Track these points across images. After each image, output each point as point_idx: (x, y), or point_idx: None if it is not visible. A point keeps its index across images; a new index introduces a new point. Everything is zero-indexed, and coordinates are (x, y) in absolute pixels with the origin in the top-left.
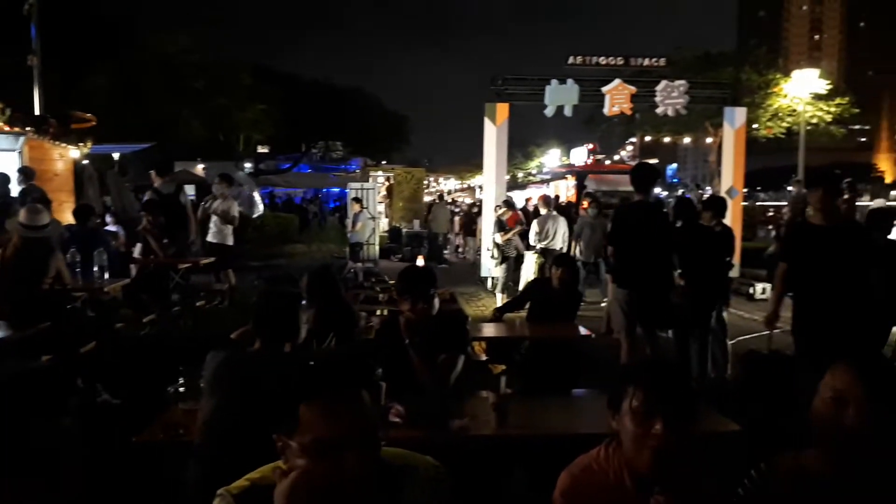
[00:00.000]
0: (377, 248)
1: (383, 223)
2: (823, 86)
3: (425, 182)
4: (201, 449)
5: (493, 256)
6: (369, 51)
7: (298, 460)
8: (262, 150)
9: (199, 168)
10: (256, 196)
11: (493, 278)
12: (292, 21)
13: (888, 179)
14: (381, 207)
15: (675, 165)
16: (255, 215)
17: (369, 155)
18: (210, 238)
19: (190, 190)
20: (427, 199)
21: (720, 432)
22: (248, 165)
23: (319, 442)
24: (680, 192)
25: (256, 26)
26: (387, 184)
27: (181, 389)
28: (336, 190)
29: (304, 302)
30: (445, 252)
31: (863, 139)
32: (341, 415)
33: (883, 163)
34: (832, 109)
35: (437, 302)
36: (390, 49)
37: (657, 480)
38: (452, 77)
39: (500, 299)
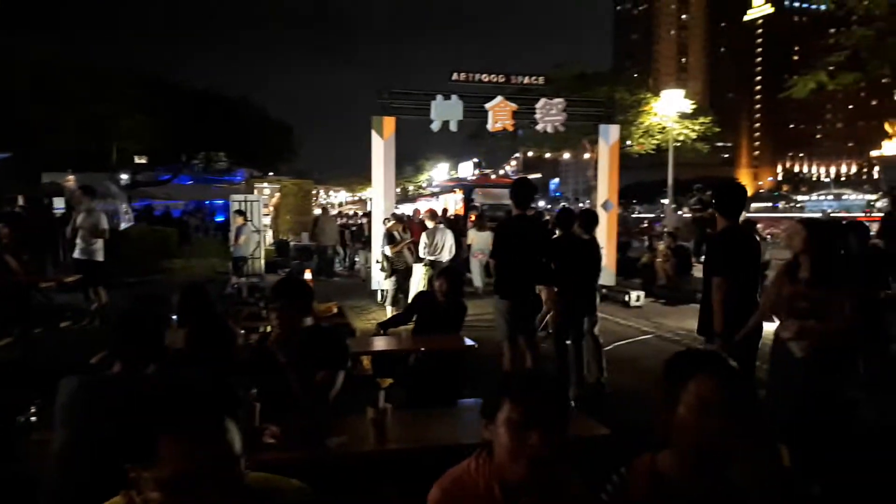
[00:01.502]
0: (262, 262)
1: (269, 236)
2: (689, 105)
3: (314, 194)
4: (50, 484)
5: (382, 269)
6: (259, 61)
7: (153, 494)
8: (139, 160)
9: (70, 179)
10: (125, 208)
11: (382, 291)
12: (180, 31)
13: (749, 192)
14: (267, 220)
15: (557, 180)
16: (121, 228)
17: (256, 166)
18: (77, 254)
19: (59, 203)
20: (317, 211)
21: (592, 436)
22: (124, 177)
23: (177, 475)
24: (561, 204)
25: (146, 35)
26: (273, 196)
27: (33, 419)
28: (220, 202)
29: (175, 320)
30: (336, 265)
31: (725, 155)
32: (201, 446)
33: (743, 177)
34: (697, 128)
35: (309, 319)
36: (281, 60)
37: (526, 489)
38: (342, 89)
39: (390, 312)
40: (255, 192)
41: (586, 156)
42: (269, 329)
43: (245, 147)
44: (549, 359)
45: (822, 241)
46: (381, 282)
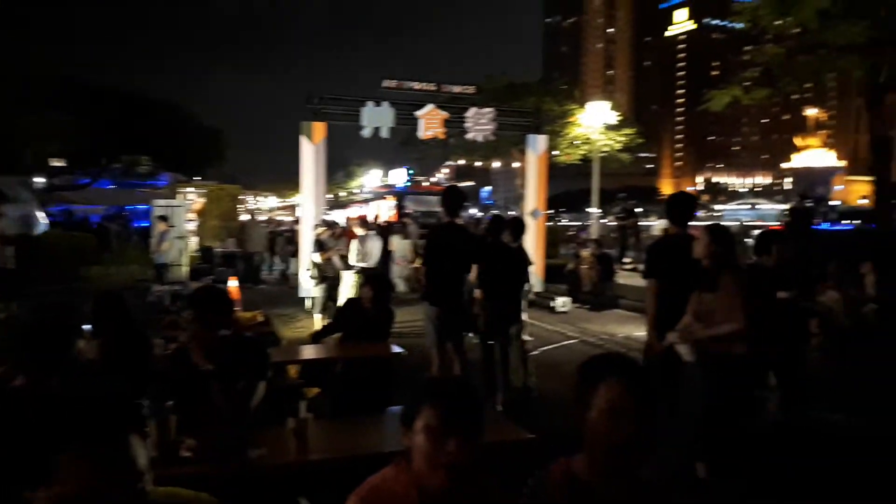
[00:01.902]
0: (186, 268)
1: (194, 243)
2: (614, 117)
3: (242, 199)
4: None
5: (311, 276)
6: (189, 65)
7: None
8: (56, 163)
9: None
10: (38, 213)
11: (311, 298)
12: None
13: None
14: (192, 226)
15: (489, 188)
16: (36, 233)
17: (181, 171)
18: None
19: None
20: (244, 217)
21: (516, 441)
22: (39, 180)
23: (76, 494)
24: (492, 212)
25: (67, 36)
26: (198, 201)
27: None
28: (143, 207)
29: (88, 330)
30: (263, 272)
31: (649, 166)
32: (101, 464)
33: (666, 187)
34: (621, 139)
35: (226, 330)
36: (211, 64)
37: (445, 496)
38: (274, 93)
39: (318, 320)
40: (180, 196)
41: (516, 165)
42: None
43: (170, 151)
44: (478, 364)
45: (718, 247)
46: (309, 289)
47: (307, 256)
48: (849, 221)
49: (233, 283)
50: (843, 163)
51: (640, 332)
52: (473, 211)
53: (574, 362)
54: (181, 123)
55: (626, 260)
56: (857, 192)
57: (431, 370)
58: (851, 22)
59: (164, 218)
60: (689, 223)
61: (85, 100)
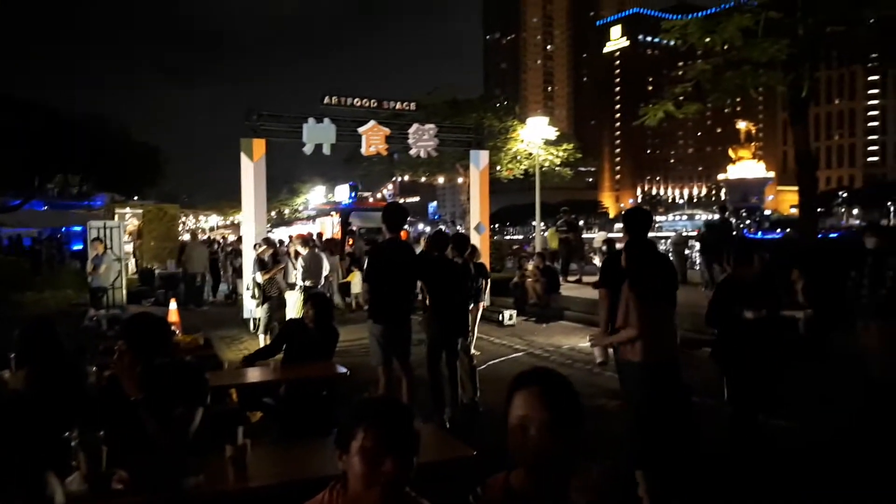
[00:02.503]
0: (124, 292)
1: (132, 264)
2: (552, 132)
3: (182, 219)
4: None
5: (253, 296)
6: (125, 80)
7: None
8: None
9: None
10: None
11: (254, 319)
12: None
13: (611, 214)
14: (129, 247)
15: (435, 203)
16: None
17: (118, 190)
18: None
19: None
20: (185, 237)
21: (458, 458)
22: None
23: None
24: (442, 228)
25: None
26: (136, 221)
27: None
28: (78, 229)
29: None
30: (205, 293)
31: (590, 179)
32: None
33: (606, 200)
34: (560, 154)
35: (161, 358)
36: (149, 80)
37: None
38: (215, 110)
39: (262, 340)
40: (117, 217)
41: (460, 180)
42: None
43: (106, 170)
44: (425, 381)
45: (632, 257)
46: (252, 310)
47: (249, 276)
48: (780, 230)
49: (173, 306)
50: (772, 173)
51: (584, 343)
52: (420, 226)
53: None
54: (117, 142)
55: (570, 272)
56: (788, 201)
57: (378, 388)
58: (772, 40)
59: (100, 240)
60: (644, 236)
61: (10, 116)
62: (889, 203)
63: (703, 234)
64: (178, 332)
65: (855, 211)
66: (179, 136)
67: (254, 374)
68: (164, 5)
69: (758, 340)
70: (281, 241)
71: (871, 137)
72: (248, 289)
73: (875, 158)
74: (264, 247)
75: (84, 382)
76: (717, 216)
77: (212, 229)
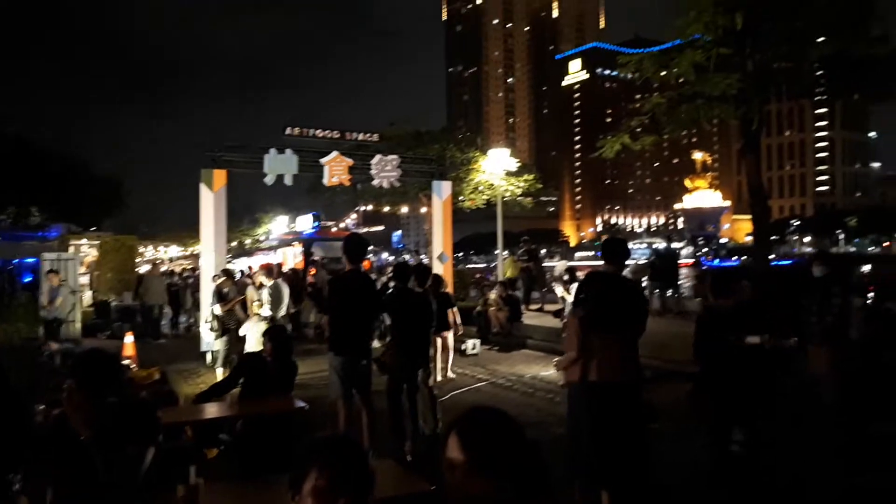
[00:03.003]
0: (79, 325)
1: (87, 297)
2: (514, 163)
3: (140, 250)
4: None
5: (212, 329)
6: (84, 110)
7: None
8: None
9: None
10: None
11: (212, 352)
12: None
13: (572, 243)
14: (85, 279)
15: (399, 232)
16: None
17: (75, 221)
18: None
19: None
20: (144, 268)
21: (416, 493)
22: None
23: None
24: (405, 257)
25: None
26: (95, 253)
27: None
28: (32, 260)
29: None
30: (163, 325)
31: (552, 209)
32: None
33: (568, 229)
34: (521, 184)
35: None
36: (112, 109)
37: None
38: (176, 140)
39: (220, 374)
40: (72, 248)
41: (423, 210)
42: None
43: (63, 201)
44: (385, 414)
45: (588, 287)
46: (210, 342)
47: (207, 308)
48: (736, 257)
49: (129, 339)
50: (728, 202)
51: (546, 371)
52: (385, 255)
53: (483, 405)
54: (74, 172)
55: (532, 301)
56: (743, 229)
57: (338, 422)
58: (723, 75)
59: (55, 272)
60: (624, 263)
61: None
62: (838, 231)
63: (653, 261)
64: (133, 365)
65: (807, 239)
66: (141, 166)
67: (210, 410)
68: (127, 35)
69: (755, 369)
70: (242, 272)
71: (820, 168)
72: (206, 321)
73: (825, 188)
74: (223, 278)
75: (30, 422)
76: (662, 244)
77: (171, 260)
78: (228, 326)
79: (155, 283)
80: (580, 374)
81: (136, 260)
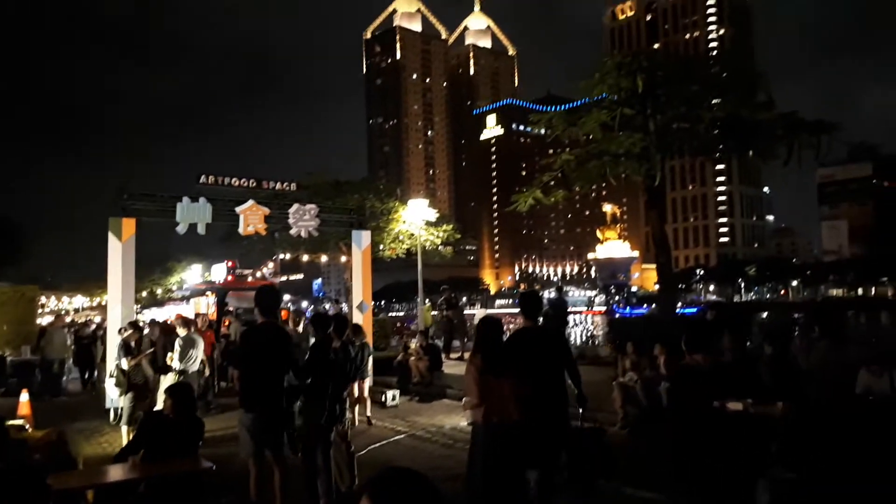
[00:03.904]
0: None
1: None
2: (433, 214)
3: (43, 301)
4: None
5: (117, 384)
6: None
7: None
8: None
9: None
10: None
11: (116, 409)
12: None
13: (492, 291)
14: None
15: (320, 280)
16: None
17: None
18: None
19: None
20: (46, 319)
21: None
22: None
23: None
24: (326, 305)
25: None
26: None
27: None
28: None
29: None
30: (65, 381)
31: (472, 258)
32: None
33: (487, 277)
34: (441, 234)
35: None
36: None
37: None
38: (84, 187)
39: (125, 433)
40: None
41: (343, 259)
42: None
43: None
44: (299, 472)
45: (485, 334)
46: (115, 399)
47: (112, 362)
48: (646, 305)
49: (24, 398)
50: (637, 253)
51: (466, 421)
52: (304, 304)
53: (402, 459)
54: None
55: (452, 350)
56: (652, 278)
57: (250, 483)
58: (627, 134)
59: None
60: (538, 317)
61: None
62: (739, 280)
63: (546, 310)
64: (28, 426)
65: (711, 287)
66: (46, 213)
67: (110, 473)
68: (31, 76)
69: (736, 439)
70: (154, 321)
71: (721, 220)
72: (111, 376)
73: (726, 239)
74: (130, 331)
75: None
76: (553, 294)
77: (77, 311)
78: (135, 382)
79: (57, 336)
80: (482, 416)
81: (38, 311)
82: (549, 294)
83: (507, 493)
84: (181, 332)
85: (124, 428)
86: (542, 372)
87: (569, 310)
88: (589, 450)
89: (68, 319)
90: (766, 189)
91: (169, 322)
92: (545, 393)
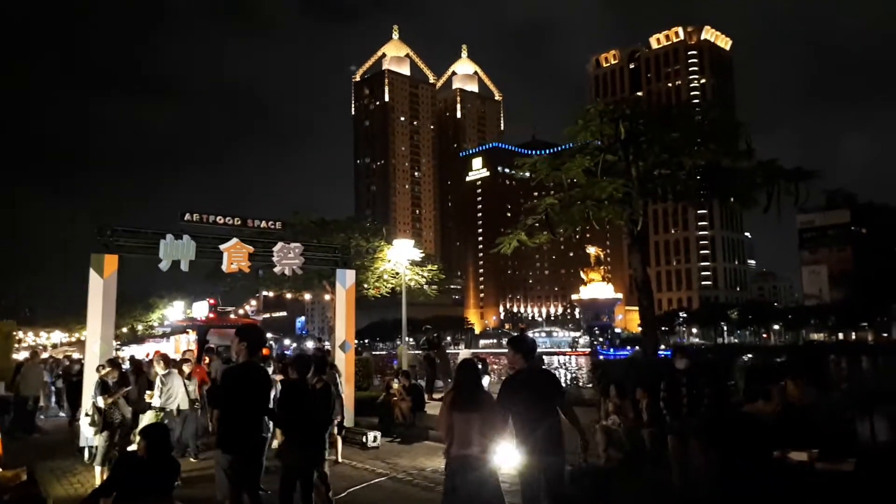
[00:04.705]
0: None
1: None
2: (418, 254)
3: (18, 336)
4: None
5: (92, 423)
6: None
7: None
8: None
9: None
10: None
11: (91, 448)
12: None
13: (477, 330)
14: None
15: (303, 318)
16: None
17: None
18: None
19: None
20: (22, 355)
21: None
22: None
23: None
24: (308, 343)
25: None
26: None
27: None
28: None
29: None
30: (40, 418)
31: (457, 297)
32: None
33: (472, 316)
34: (425, 274)
35: None
36: None
37: None
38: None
39: (98, 473)
40: None
41: (327, 297)
42: None
43: None
44: None
45: (459, 374)
46: (90, 437)
47: (88, 400)
48: (630, 347)
49: None
50: (620, 294)
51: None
52: (287, 341)
53: (383, 502)
54: None
55: (435, 390)
56: (635, 319)
57: None
58: (610, 180)
59: None
60: (532, 357)
61: None
62: (722, 322)
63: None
64: None
65: (694, 329)
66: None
67: None
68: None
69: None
70: (132, 359)
71: (703, 264)
72: (86, 414)
73: (709, 282)
74: (108, 368)
75: None
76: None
77: (54, 347)
78: (111, 420)
79: (33, 372)
80: (448, 449)
81: (15, 347)
82: (515, 334)
83: None
84: (160, 369)
85: (97, 468)
86: (538, 409)
87: (537, 350)
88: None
89: (45, 355)
90: (747, 234)
91: (145, 359)
92: (541, 428)
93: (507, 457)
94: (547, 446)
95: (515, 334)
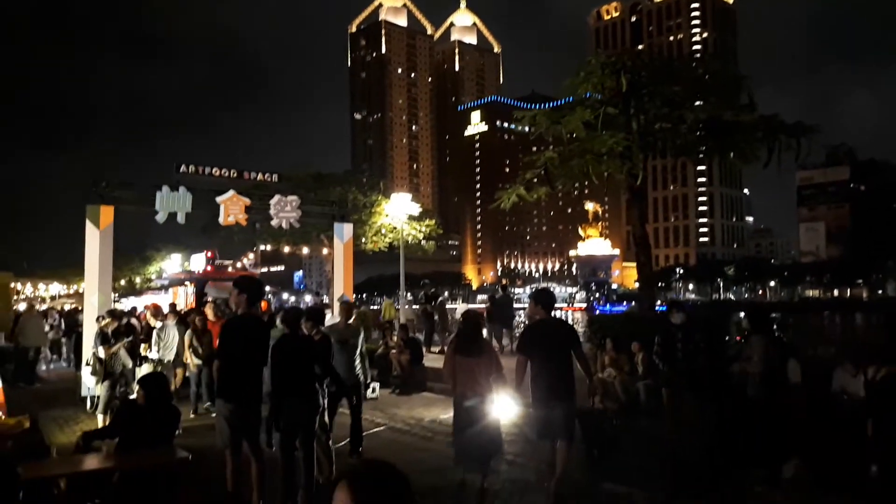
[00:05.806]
0: None
1: None
2: (416, 208)
3: (16, 287)
4: None
5: (94, 372)
6: None
7: None
8: None
9: None
10: None
11: (93, 398)
12: None
13: (474, 286)
14: None
15: (301, 272)
16: None
17: None
18: None
19: None
20: (21, 306)
21: None
22: None
23: None
24: (306, 297)
25: None
26: None
27: None
28: None
29: None
30: (42, 369)
31: (454, 252)
32: None
33: (470, 272)
34: (423, 228)
35: None
36: None
37: None
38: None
39: (101, 421)
40: None
41: (325, 251)
42: None
43: None
44: (277, 464)
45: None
46: (91, 387)
47: (89, 350)
48: (626, 302)
49: None
50: (618, 250)
51: (445, 414)
52: (286, 295)
53: (380, 451)
54: None
55: (433, 343)
56: (632, 276)
57: (226, 474)
58: (610, 133)
59: None
60: (552, 310)
61: None
62: (718, 279)
63: (488, 307)
64: (0, 414)
65: (691, 286)
66: (23, 200)
67: (84, 463)
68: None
69: None
70: (133, 311)
71: (701, 220)
72: (87, 364)
73: (706, 239)
74: (108, 319)
75: None
76: (499, 293)
77: (53, 298)
78: (112, 370)
79: (32, 323)
80: (453, 390)
81: (14, 298)
82: (497, 293)
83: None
84: (154, 322)
85: (100, 416)
86: (555, 356)
87: (555, 303)
88: (599, 426)
89: (44, 307)
90: (745, 191)
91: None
92: (557, 374)
93: (506, 406)
94: (562, 389)
95: (540, 288)
